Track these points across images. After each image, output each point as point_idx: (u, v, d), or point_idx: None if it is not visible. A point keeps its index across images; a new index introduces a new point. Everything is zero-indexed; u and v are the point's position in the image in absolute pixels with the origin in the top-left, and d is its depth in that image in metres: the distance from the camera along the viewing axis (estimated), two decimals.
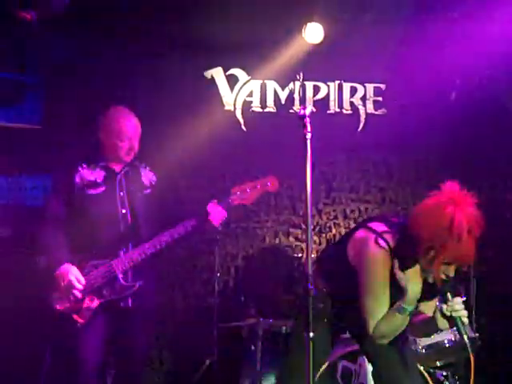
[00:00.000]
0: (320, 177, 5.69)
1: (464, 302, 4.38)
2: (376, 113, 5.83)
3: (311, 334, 2.82)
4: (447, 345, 4.24)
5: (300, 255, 5.52)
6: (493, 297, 5.27)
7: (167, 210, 4.11)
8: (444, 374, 4.28)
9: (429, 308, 3.09)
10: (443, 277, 2.87)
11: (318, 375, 3.81)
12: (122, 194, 4.01)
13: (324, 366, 3.96)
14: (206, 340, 4.91)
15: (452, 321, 2.86)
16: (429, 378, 4.03)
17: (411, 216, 2.97)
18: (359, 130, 5.84)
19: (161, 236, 3.91)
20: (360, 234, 3.09)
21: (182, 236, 3.96)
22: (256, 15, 5.25)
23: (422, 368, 4.06)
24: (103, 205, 3.94)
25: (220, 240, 5.12)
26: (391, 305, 2.97)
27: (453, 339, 4.24)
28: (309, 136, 2.96)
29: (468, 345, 2.83)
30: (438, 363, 4.32)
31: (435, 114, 5.72)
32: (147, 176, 4.14)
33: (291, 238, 5.68)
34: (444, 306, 2.86)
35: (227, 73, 5.76)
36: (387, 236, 2.96)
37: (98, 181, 3.98)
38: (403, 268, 2.93)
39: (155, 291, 4.15)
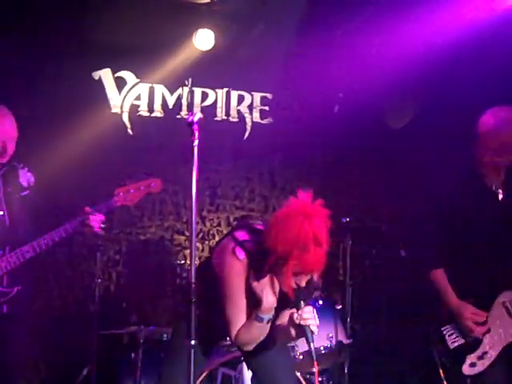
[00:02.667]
0: (205, 183, 5.71)
1: (340, 310, 4.58)
2: (262, 122, 5.93)
3: (193, 342, 2.81)
4: (323, 351, 4.36)
5: (182, 262, 5.51)
6: (367, 304, 5.48)
7: (47, 212, 3.99)
8: (320, 379, 4.39)
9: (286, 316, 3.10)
10: (295, 286, 2.92)
11: (197, 383, 3.83)
12: None
13: (204, 374, 3.99)
14: (86, 348, 4.79)
15: (301, 329, 2.91)
16: None
17: (266, 225, 3.03)
18: (245, 138, 5.91)
19: (40, 239, 3.78)
20: (224, 242, 3.12)
21: (63, 239, 3.84)
22: (147, 19, 5.24)
23: (299, 374, 4.15)
24: None
25: (102, 245, 5.01)
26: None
27: (329, 346, 4.37)
28: (196, 143, 2.95)
29: (313, 353, 2.89)
30: (314, 369, 4.41)
31: (319, 125, 5.90)
32: (25, 177, 3.99)
33: (175, 245, 5.66)
34: (295, 315, 2.92)
35: (116, 75, 5.68)
36: (247, 245, 2.99)
37: None
38: (259, 277, 2.96)
39: (33, 297, 4.02)
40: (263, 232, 3.00)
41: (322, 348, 4.36)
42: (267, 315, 2.97)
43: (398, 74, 5.35)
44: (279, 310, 3.08)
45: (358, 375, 4.82)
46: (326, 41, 5.51)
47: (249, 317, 2.99)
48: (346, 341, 4.50)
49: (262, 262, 2.93)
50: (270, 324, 3.00)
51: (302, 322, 2.88)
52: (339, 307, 4.64)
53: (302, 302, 2.91)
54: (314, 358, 2.92)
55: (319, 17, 5.35)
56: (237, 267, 2.96)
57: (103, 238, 4.91)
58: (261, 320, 2.95)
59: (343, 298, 4.76)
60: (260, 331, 3.00)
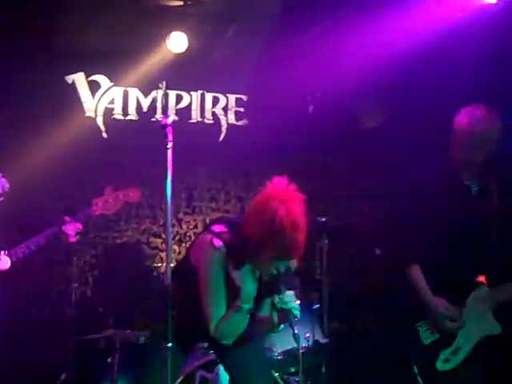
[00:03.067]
0: (181, 186, 5.70)
1: (317, 310, 4.60)
2: (237, 123, 5.93)
3: (169, 345, 2.82)
4: (300, 351, 4.36)
5: (159, 265, 5.49)
6: (345, 303, 5.50)
7: (22, 217, 3.96)
8: (297, 379, 4.40)
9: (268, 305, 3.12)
10: (274, 272, 2.93)
11: None
12: None
13: (181, 377, 3.98)
14: (62, 353, 4.75)
15: (284, 313, 2.93)
16: None
17: (242, 216, 3.04)
18: (220, 139, 5.91)
19: (17, 247, 3.76)
20: (200, 237, 3.14)
21: (40, 246, 3.83)
22: (120, 22, 5.21)
23: (277, 374, 4.17)
24: None
25: (78, 250, 4.99)
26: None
27: (306, 346, 4.38)
28: (170, 145, 2.96)
29: (297, 338, 2.92)
30: (292, 369, 4.44)
31: (294, 126, 5.92)
32: (0, 183, 3.97)
33: (151, 248, 5.65)
34: (276, 299, 2.93)
35: (89, 78, 5.64)
36: (224, 236, 2.99)
37: None
38: (238, 266, 2.96)
39: (7, 303, 3.98)
40: (240, 222, 3.02)
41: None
42: (247, 305, 2.98)
43: (372, 74, 5.38)
44: (259, 300, 3.08)
45: (336, 374, 4.84)
46: (299, 42, 5.52)
47: (229, 308, 3.00)
48: (323, 340, 4.52)
49: (240, 251, 2.95)
50: (249, 315, 3.01)
51: (285, 306, 2.90)
52: (316, 307, 4.66)
53: (282, 286, 2.92)
54: (299, 342, 2.96)
55: (292, 18, 5.36)
56: (215, 257, 2.96)
57: (80, 242, 4.88)
58: (241, 310, 2.97)
59: (320, 297, 4.77)
60: (240, 322, 3.00)
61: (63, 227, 3.87)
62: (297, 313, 2.92)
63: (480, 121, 3.60)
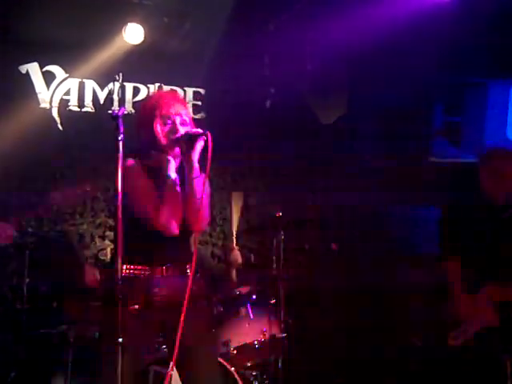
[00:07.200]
0: None
1: (273, 304, 4.60)
2: (195, 117, 5.88)
3: (120, 340, 2.81)
4: (257, 346, 4.37)
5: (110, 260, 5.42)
6: (301, 298, 5.51)
7: None
8: (253, 373, 4.39)
9: None
10: (175, 136, 3.25)
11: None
12: None
13: (135, 372, 3.93)
14: (13, 349, 4.66)
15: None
16: (239, 379, 4.12)
17: None
18: None
19: None
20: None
21: None
22: (75, 12, 5.13)
23: (233, 369, 4.15)
24: None
25: (32, 244, 4.88)
26: None
27: (262, 340, 4.38)
28: (121, 137, 2.93)
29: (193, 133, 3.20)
30: (249, 363, 4.43)
31: (252, 119, 5.91)
32: None
33: (107, 241, 5.58)
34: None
35: (44, 69, 5.54)
36: (130, 154, 3.25)
37: None
38: (153, 158, 3.32)
39: None
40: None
41: (255, 342, 4.38)
42: (172, 173, 3.20)
43: (330, 69, 5.40)
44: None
45: (292, 369, 4.84)
46: (257, 35, 5.52)
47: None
48: (279, 335, 4.52)
49: (149, 154, 3.26)
50: (178, 188, 3.20)
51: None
52: (273, 301, 4.65)
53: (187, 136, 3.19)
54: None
55: (251, 11, 5.36)
56: (133, 171, 3.18)
57: (33, 235, 4.80)
58: (169, 178, 3.18)
59: (277, 292, 4.77)
60: (172, 193, 3.17)
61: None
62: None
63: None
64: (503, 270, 4.02)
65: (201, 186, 3.16)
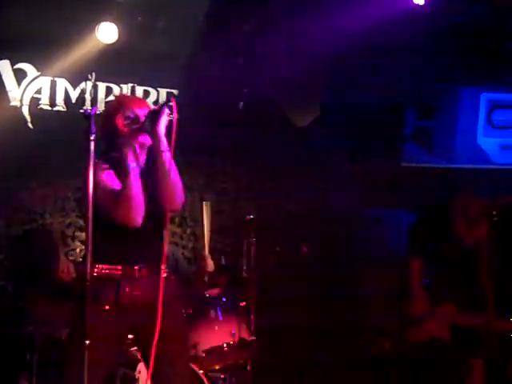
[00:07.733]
0: None
1: (243, 307, 4.59)
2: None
3: (87, 342, 2.80)
4: (226, 348, 4.35)
5: (81, 260, 5.37)
6: (271, 301, 5.52)
7: None
8: (222, 376, 4.38)
9: None
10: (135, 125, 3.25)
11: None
12: None
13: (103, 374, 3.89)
14: None
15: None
16: (207, 382, 4.10)
17: None
18: None
19: None
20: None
21: None
22: (48, 9, 5.09)
23: (201, 371, 4.13)
24: None
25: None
26: None
27: (231, 343, 4.37)
28: (93, 137, 2.91)
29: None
30: (217, 366, 4.41)
31: (226, 120, 5.91)
32: None
33: (77, 242, 5.52)
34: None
35: (15, 67, 5.48)
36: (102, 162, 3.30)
37: None
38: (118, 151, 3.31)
39: None
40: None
41: (224, 345, 4.36)
42: (132, 162, 3.15)
43: (303, 72, 5.42)
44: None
45: (261, 372, 4.83)
46: (232, 35, 5.52)
47: None
48: (249, 338, 4.51)
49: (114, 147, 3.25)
50: (138, 176, 3.15)
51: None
52: (242, 304, 4.64)
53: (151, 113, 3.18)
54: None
55: (226, 11, 5.35)
56: (96, 167, 3.05)
57: (1, 235, 4.74)
58: (128, 166, 3.13)
59: (247, 295, 4.76)
60: (131, 181, 3.11)
61: None
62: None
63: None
64: (461, 292, 4.17)
65: (169, 159, 3.13)
